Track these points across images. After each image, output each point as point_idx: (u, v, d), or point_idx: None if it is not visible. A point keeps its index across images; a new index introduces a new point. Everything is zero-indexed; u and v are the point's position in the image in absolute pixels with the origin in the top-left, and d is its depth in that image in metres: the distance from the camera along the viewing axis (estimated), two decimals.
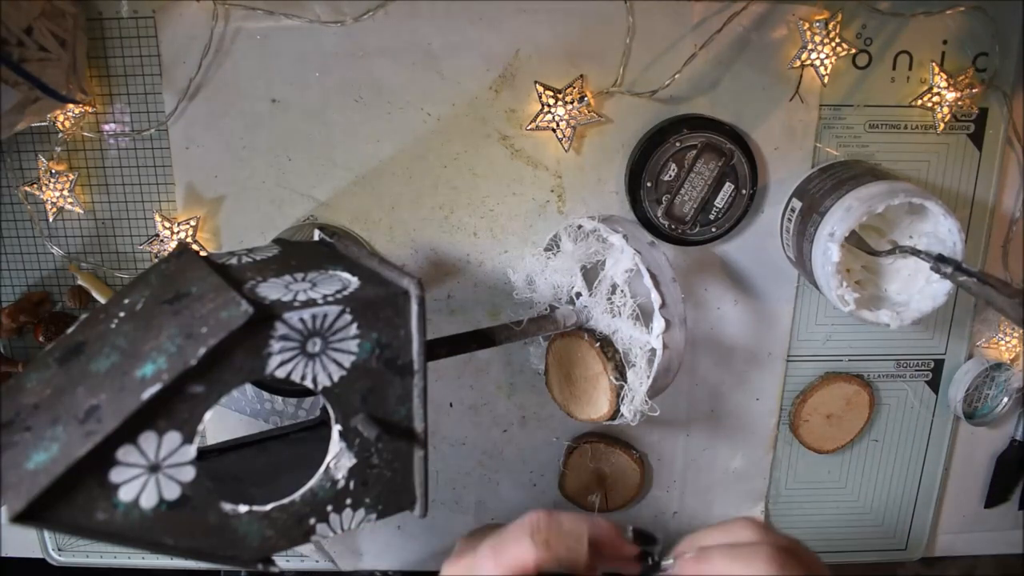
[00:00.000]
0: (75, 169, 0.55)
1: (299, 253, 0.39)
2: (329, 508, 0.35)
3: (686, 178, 0.52)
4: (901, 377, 0.61)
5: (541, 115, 0.53)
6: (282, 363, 0.31)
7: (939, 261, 0.46)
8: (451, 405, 0.61)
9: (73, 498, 0.28)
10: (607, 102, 0.53)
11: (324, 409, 0.39)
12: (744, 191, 0.53)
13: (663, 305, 0.45)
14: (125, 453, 0.29)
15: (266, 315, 0.30)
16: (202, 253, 0.37)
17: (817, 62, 0.52)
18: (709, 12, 0.52)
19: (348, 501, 0.35)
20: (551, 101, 0.52)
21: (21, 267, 0.58)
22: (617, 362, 0.47)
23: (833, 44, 0.51)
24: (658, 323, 0.45)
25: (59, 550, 0.64)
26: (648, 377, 0.46)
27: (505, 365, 0.60)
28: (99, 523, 0.29)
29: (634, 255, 0.46)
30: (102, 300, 0.57)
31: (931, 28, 0.52)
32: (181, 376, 0.28)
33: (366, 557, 0.65)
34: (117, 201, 0.56)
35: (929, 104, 0.53)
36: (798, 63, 0.52)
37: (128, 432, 0.28)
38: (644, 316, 0.46)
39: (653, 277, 0.45)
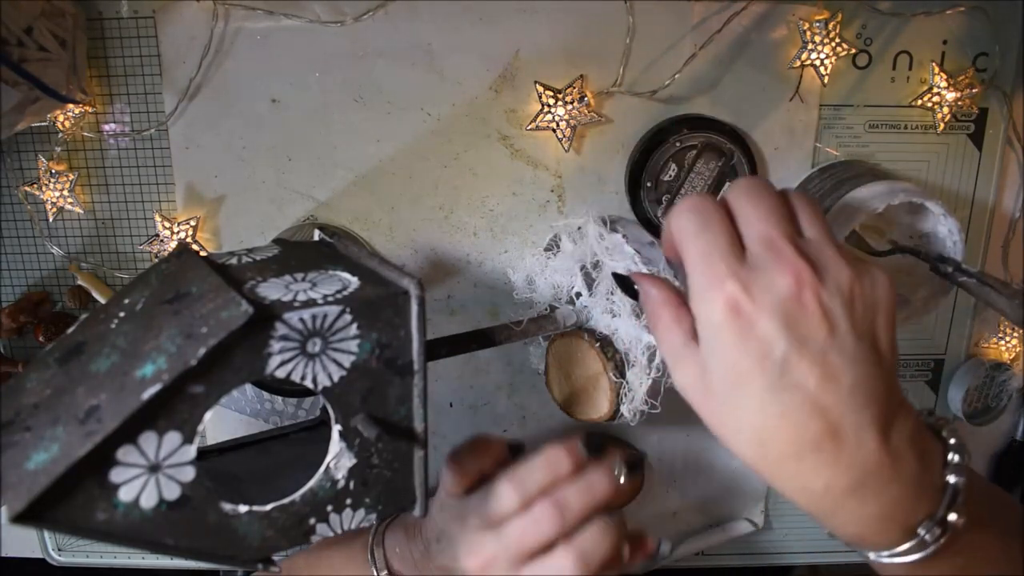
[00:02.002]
0: (75, 169, 0.55)
1: (299, 253, 0.39)
2: (329, 508, 0.35)
3: (686, 178, 0.52)
4: (901, 377, 0.61)
5: (541, 115, 0.53)
6: (282, 363, 0.31)
7: (939, 261, 0.46)
8: (451, 405, 0.61)
9: (73, 498, 0.28)
10: (607, 102, 0.53)
11: (324, 409, 0.39)
12: None
13: None
14: (125, 453, 0.29)
15: (266, 315, 0.30)
16: (202, 253, 0.37)
17: (817, 62, 0.52)
18: (709, 12, 0.52)
19: (348, 501, 0.35)
20: (551, 101, 0.52)
21: (21, 267, 0.58)
22: (617, 362, 0.47)
23: (833, 44, 0.51)
24: None
25: (59, 550, 0.64)
26: (648, 376, 0.46)
27: (505, 365, 0.60)
28: (99, 523, 0.29)
29: (634, 255, 0.46)
30: (102, 300, 0.57)
31: (931, 28, 0.52)
32: (181, 376, 0.28)
33: None
34: (117, 201, 0.56)
35: (929, 104, 0.53)
36: (798, 63, 0.52)
37: (128, 432, 0.28)
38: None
39: None
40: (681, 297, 0.33)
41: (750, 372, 0.30)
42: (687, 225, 0.32)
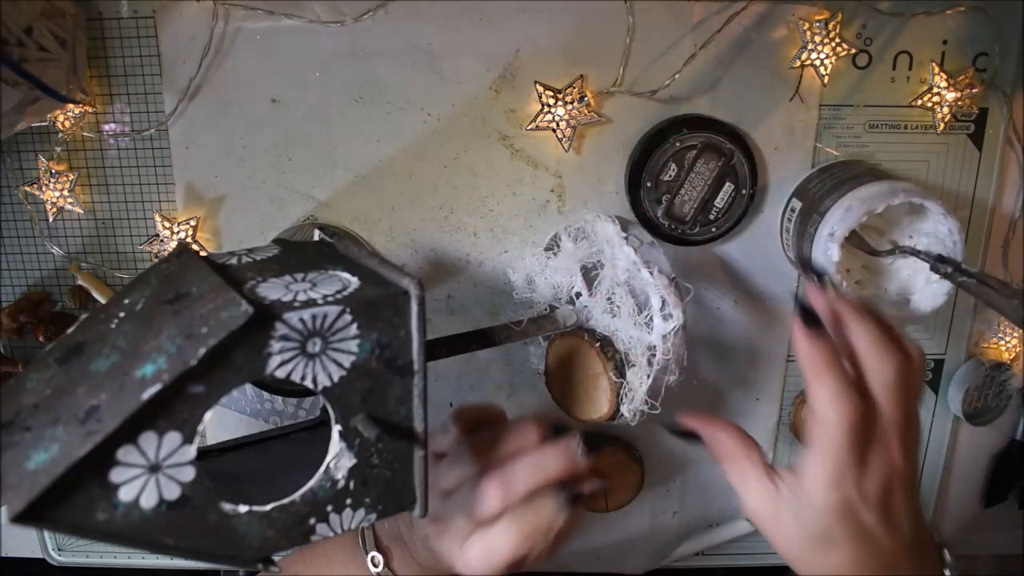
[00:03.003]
0: (75, 169, 0.55)
1: (299, 253, 0.39)
2: (329, 508, 0.35)
3: (686, 178, 0.52)
4: None
5: (541, 115, 0.53)
6: (282, 363, 0.31)
7: (939, 261, 0.46)
8: (451, 405, 0.61)
9: (73, 498, 0.28)
10: (607, 102, 0.53)
11: (324, 409, 0.39)
12: (744, 191, 0.53)
13: (664, 305, 0.45)
14: (125, 453, 0.29)
15: (266, 315, 0.30)
16: (202, 253, 0.37)
17: (817, 62, 0.52)
18: (709, 12, 0.52)
19: (348, 501, 0.35)
20: (551, 101, 0.52)
21: (21, 267, 0.58)
22: (617, 362, 0.47)
23: (833, 44, 0.51)
24: (658, 322, 0.45)
25: (59, 550, 0.64)
26: (648, 377, 0.46)
27: (505, 365, 0.60)
28: (99, 523, 0.29)
29: (634, 254, 0.46)
30: (102, 300, 0.57)
31: (931, 28, 0.52)
32: (181, 376, 0.28)
33: None
34: (117, 201, 0.56)
35: (929, 104, 0.53)
36: (798, 63, 0.52)
37: (128, 432, 0.28)
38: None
39: (653, 277, 0.45)
40: (751, 444, 0.41)
41: (842, 537, 0.37)
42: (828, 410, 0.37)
